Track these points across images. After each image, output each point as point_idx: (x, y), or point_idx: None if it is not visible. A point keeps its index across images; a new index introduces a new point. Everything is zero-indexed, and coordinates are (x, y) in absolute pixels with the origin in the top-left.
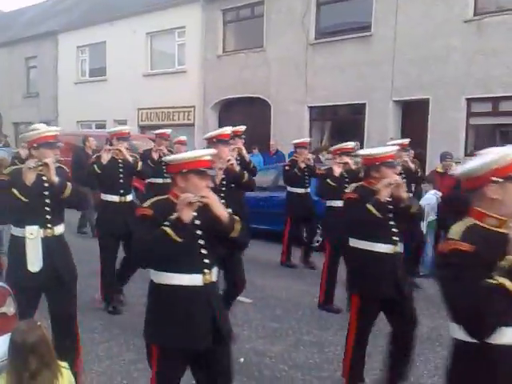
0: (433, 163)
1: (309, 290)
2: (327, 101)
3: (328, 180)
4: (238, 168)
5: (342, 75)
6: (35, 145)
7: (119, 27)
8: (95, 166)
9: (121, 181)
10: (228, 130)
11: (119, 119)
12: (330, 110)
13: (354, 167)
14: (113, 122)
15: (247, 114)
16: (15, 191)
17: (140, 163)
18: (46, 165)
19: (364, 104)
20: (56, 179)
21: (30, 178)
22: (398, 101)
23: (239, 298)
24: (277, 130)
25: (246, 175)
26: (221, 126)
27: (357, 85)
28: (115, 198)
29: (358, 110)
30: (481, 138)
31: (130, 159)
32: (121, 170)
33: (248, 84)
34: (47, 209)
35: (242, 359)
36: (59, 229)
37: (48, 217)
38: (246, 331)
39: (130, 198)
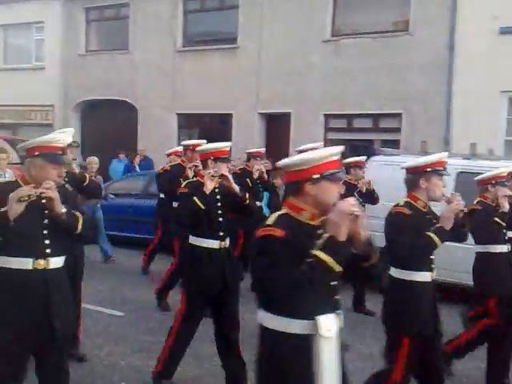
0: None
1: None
2: (195, 109)
3: (496, 218)
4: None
5: (209, 84)
6: (212, 158)
7: None
8: None
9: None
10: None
11: None
12: (198, 118)
13: None
14: None
15: (112, 117)
16: (196, 200)
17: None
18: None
19: (231, 114)
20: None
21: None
22: (263, 113)
23: (109, 311)
24: (144, 136)
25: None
26: (83, 127)
27: (224, 95)
28: None
29: (224, 120)
30: None
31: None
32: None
33: (113, 86)
34: None
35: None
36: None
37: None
38: (121, 347)
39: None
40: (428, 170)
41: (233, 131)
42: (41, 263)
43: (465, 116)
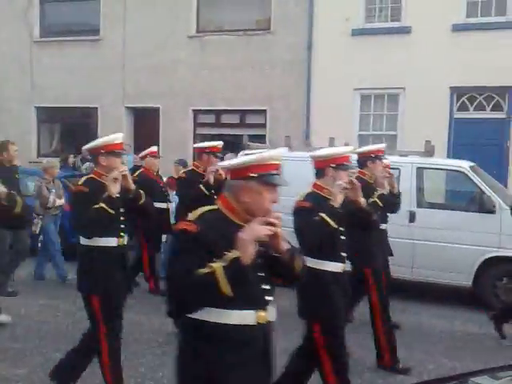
0: (167, 169)
1: (50, 304)
2: (56, 102)
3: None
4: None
5: (71, 77)
6: (333, 165)
7: None
8: None
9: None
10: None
11: None
12: (60, 112)
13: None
14: None
15: None
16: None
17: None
18: (353, 186)
19: (96, 108)
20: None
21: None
22: (130, 107)
23: None
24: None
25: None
26: None
27: (88, 88)
28: None
29: (89, 114)
30: None
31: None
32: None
33: None
34: None
35: None
36: None
37: None
38: None
39: None
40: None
41: (98, 125)
42: (262, 315)
43: (323, 112)
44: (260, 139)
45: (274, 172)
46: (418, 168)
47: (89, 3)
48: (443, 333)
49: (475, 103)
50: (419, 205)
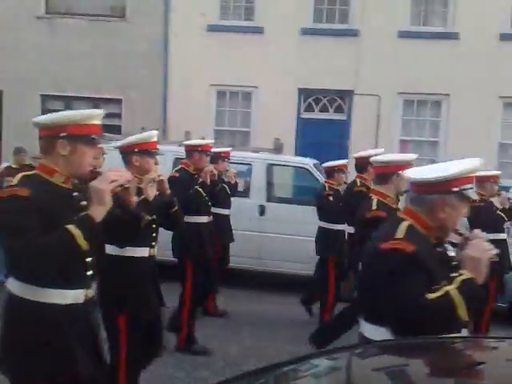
0: (9, 157)
1: None
2: None
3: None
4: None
5: None
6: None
7: None
8: None
9: None
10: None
11: None
12: None
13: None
14: None
15: None
16: None
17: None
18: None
19: None
20: None
21: None
22: None
23: None
24: None
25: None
26: None
27: None
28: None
29: None
30: None
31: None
32: None
33: None
34: None
35: None
36: None
37: None
38: None
39: None
40: None
41: None
42: None
43: (180, 105)
44: (116, 130)
45: (472, 186)
46: (269, 164)
47: None
48: (287, 320)
49: (320, 104)
50: (269, 199)
